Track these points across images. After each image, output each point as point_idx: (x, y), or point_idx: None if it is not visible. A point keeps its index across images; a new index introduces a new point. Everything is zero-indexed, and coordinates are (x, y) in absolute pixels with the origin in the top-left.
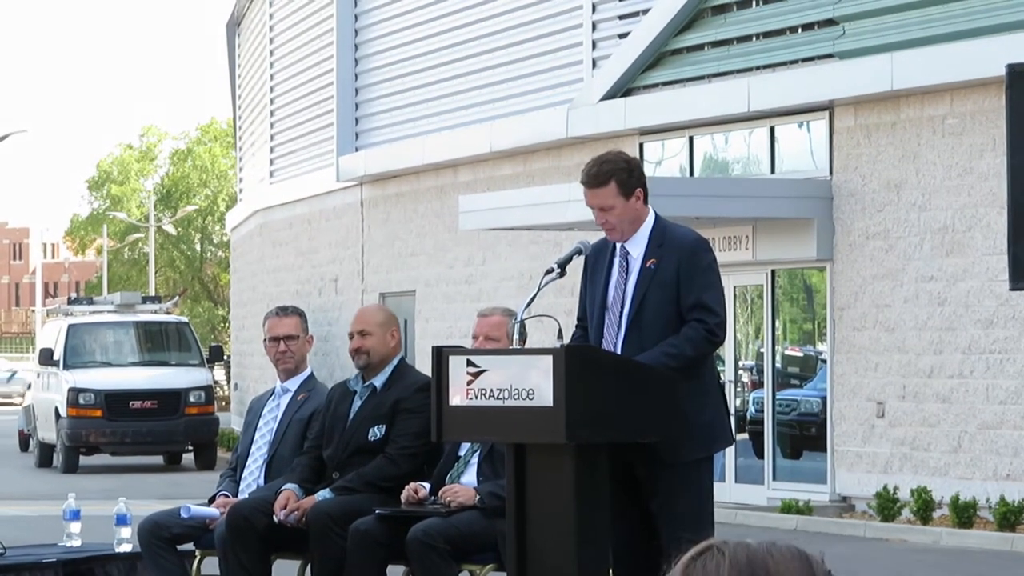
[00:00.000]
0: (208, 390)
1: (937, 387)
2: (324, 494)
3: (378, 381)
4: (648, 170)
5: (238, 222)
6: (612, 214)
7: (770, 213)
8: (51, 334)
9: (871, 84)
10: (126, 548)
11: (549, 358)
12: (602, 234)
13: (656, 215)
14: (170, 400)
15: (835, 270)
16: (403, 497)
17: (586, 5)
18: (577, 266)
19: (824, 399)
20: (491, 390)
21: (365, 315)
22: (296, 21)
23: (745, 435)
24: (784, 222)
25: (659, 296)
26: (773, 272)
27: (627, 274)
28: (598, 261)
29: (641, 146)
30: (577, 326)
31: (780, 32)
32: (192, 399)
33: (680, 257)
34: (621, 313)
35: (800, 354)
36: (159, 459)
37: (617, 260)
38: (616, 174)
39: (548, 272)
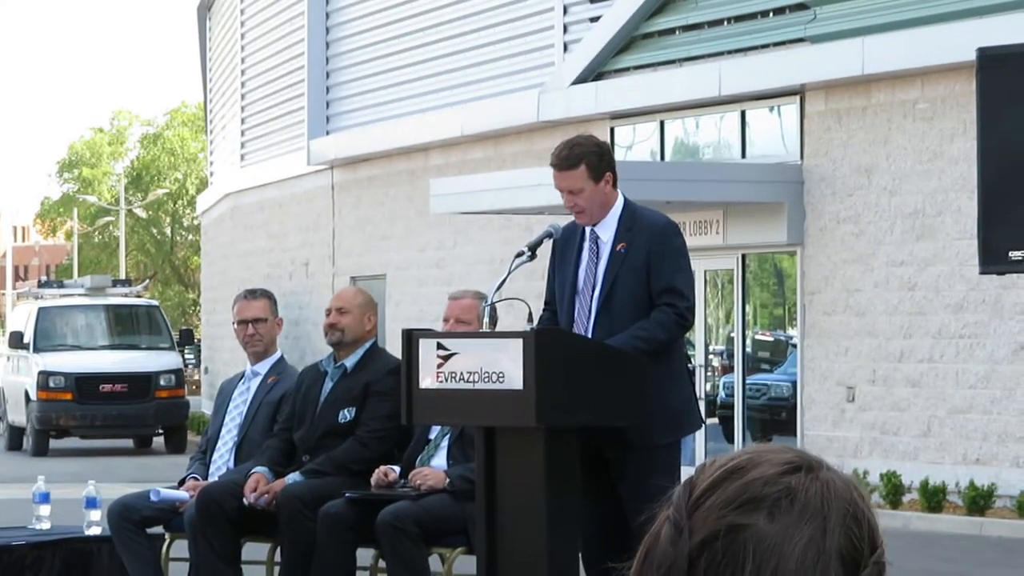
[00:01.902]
0: (178, 373)
1: (907, 371)
2: (294, 477)
3: (349, 362)
4: (619, 154)
5: (208, 205)
6: (581, 197)
7: (741, 197)
8: (21, 317)
9: (842, 68)
10: (96, 531)
11: (519, 341)
12: (572, 218)
13: (625, 199)
14: (140, 384)
15: (805, 255)
16: (373, 480)
17: None
18: (548, 249)
19: (794, 383)
20: (461, 373)
21: (346, 294)
22: (267, 4)
23: (715, 419)
24: (755, 206)
25: (630, 280)
26: (743, 256)
27: (597, 258)
28: (568, 245)
29: (612, 130)
30: (545, 309)
31: (751, 16)
32: (162, 382)
33: (650, 241)
34: (592, 297)
35: (770, 339)
36: (129, 442)
37: (587, 244)
38: (586, 157)
39: (518, 255)
